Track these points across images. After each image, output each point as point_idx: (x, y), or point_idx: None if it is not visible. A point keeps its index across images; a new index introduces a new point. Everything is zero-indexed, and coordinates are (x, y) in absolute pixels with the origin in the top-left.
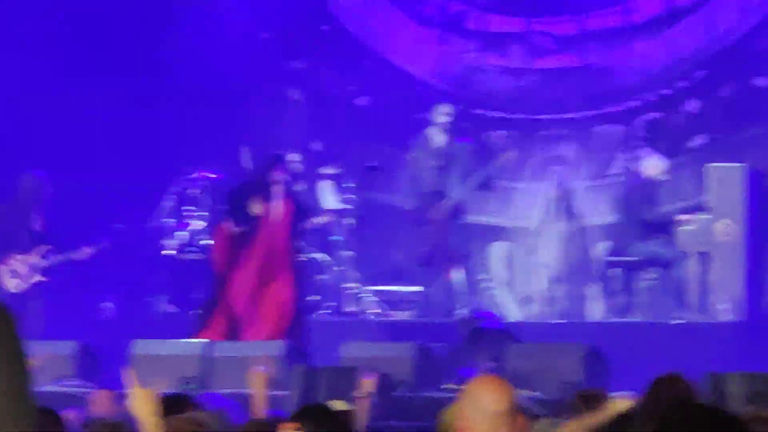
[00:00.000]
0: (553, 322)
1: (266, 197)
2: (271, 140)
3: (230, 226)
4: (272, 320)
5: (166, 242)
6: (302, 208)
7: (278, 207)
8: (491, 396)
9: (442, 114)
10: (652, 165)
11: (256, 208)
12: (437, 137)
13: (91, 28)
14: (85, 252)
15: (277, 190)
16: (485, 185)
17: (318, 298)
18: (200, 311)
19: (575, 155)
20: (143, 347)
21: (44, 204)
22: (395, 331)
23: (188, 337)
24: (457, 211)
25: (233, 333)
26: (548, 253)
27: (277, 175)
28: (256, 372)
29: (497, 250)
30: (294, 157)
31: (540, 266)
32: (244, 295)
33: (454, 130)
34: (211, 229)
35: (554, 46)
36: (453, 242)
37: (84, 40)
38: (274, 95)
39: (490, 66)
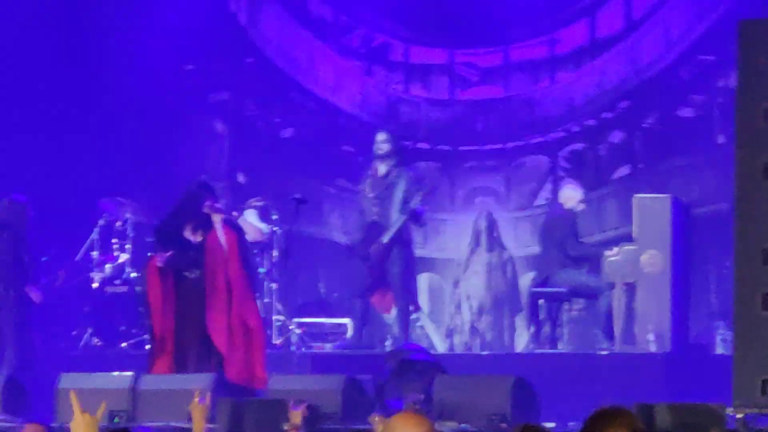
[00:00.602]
0: (480, 353)
1: (204, 225)
2: (196, 172)
3: (163, 258)
4: (256, 353)
5: (93, 275)
6: (243, 234)
7: (222, 235)
8: (412, 430)
9: (382, 143)
10: (569, 196)
11: (197, 236)
12: (380, 168)
13: (15, 55)
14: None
15: (216, 218)
16: (416, 218)
17: None
18: (148, 347)
19: (501, 186)
20: (70, 380)
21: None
22: (322, 364)
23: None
24: (397, 243)
25: (182, 368)
26: (474, 284)
27: (211, 203)
28: (196, 405)
29: (424, 282)
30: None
31: (466, 297)
32: (218, 328)
33: (394, 159)
34: (141, 262)
35: (478, 77)
36: (389, 274)
37: (7, 66)
38: (198, 127)
39: (414, 97)
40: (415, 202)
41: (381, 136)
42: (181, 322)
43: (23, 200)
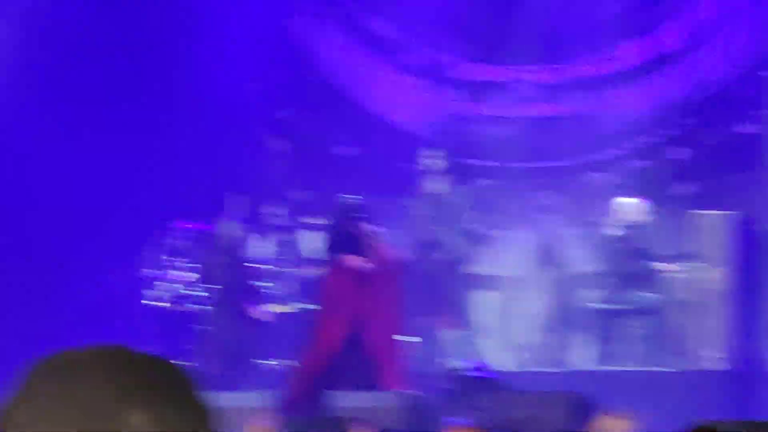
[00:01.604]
0: (541, 370)
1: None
2: (256, 189)
3: (352, 261)
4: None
5: (154, 293)
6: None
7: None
8: None
9: (433, 160)
10: (633, 211)
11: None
12: (435, 185)
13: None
14: None
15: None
16: (474, 235)
17: None
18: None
19: (561, 203)
20: None
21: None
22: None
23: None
24: (455, 262)
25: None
26: (535, 302)
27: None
28: (256, 426)
29: (484, 299)
30: (278, 208)
31: (527, 315)
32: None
33: (447, 177)
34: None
35: (538, 94)
36: (447, 293)
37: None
38: (259, 144)
39: (473, 115)
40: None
41: (435, 153)
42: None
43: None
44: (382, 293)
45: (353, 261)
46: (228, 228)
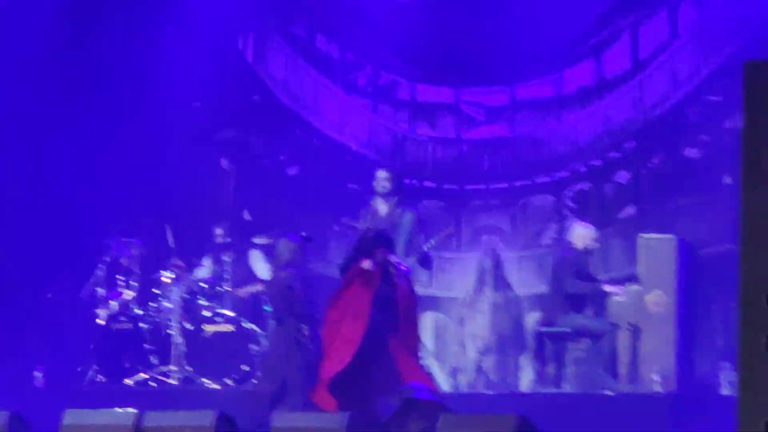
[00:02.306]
0: (484, 392)
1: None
2: (202, 209)
3: (371, 263)
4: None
5: (99, 312)
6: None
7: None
8: None
9: (383, 180)
10: (581, 235)
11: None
12: (381, 206)
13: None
14: None
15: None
16: (424, 261)
17: (248, 368)
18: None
19: (506, 225)
20: (74, 417)
21: None
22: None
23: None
24: None
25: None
26: (480, 324)
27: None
28: None
29: (428, 321)
30: (224, 227)
31: (470, 336)
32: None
33: (396, 198)
34: (146, 299)
35: (484, 116)
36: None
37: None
38: (204, 164)
39: (420, 136)
40: (429, 246)
41: (382, 174)
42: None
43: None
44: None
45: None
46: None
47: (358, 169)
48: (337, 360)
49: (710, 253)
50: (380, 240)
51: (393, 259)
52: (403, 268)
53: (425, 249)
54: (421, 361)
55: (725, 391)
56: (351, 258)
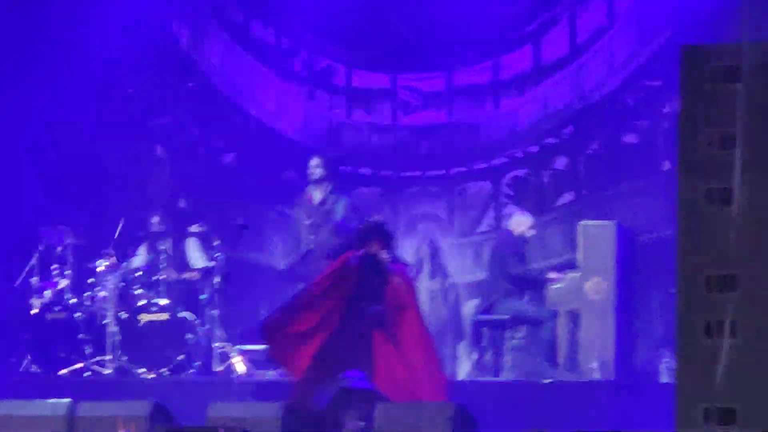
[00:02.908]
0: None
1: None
2: (137, 196)
3: (356, 256)
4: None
5: (32, 301)
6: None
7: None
8: None
9: (316, 168)
10: (519, 222)
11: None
12: (315, 194)
13: None
14: None
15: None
16: None
17: (183, 357)
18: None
19: (443, 212)
20: (7, 408)
21: None
22: (264, 392)
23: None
24: None
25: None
26: None
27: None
28: None
29: None
30: (158, 215)
31: None
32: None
33: (330, 185)
34: (80, 288)
35: (421, 102)
36: None
37: None
38: (139, 151)
39: (356, 122)
40: None
41: (315, 161)
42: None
43: None
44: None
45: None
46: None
47: (294, 157)
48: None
49: (649, 239)
50: (376, 233)
51: (384, 255)
52: (400, 263)
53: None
54: (425, 362)
55: (664, 378)
56: (343, 245)
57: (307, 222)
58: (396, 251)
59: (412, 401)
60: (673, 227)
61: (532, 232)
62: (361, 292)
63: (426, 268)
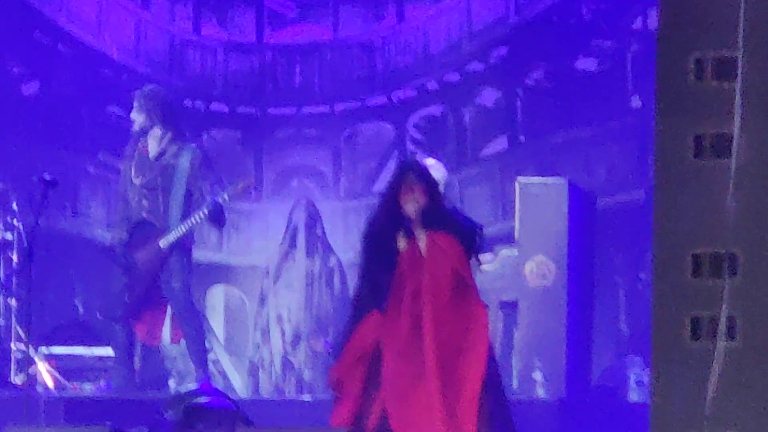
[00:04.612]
0: (296, 398)
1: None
2: None
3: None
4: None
5: None
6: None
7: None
8: None
9: (148, 104)
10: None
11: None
12: (150, 142)
13: None
14: None
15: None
16: (214, 215)
17: None
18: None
19: (327, 165)
20: None
21: None
22: (80, 412)
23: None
24: (177, 247)
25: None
26: (288, 302)
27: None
28: None
29: (217, 299)
30: None
31: (277, 320)
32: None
33: (170, 130)
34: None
35: (296, 12)
36: (166, 290)
37: None
38: None
39: (207, 39)
40: (223, 198)
41: (145, 93)
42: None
43: None
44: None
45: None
46: None
47: (121, 87)
48: None
49: (613, 204)
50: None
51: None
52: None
53: (218, 201)
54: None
55: (634, 396)
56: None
57: (139, 181)
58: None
59: (277, 427)
60: (646, 187)
61: (450, 192)
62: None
63: (301, 243)
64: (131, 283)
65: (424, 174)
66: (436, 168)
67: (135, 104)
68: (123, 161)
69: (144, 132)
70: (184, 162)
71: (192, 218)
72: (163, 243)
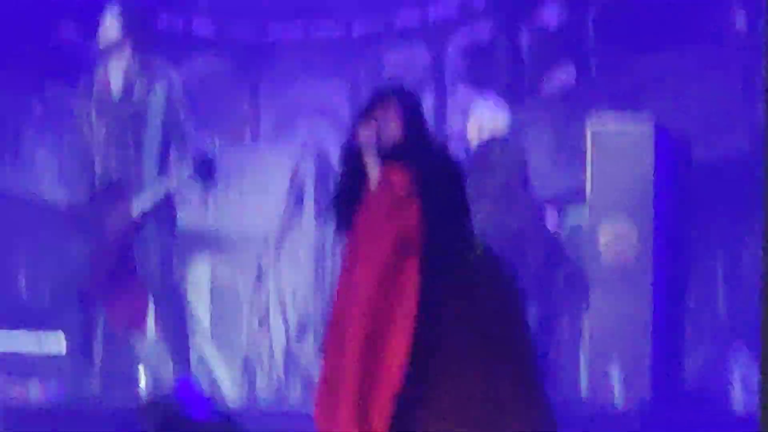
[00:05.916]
0: (298, 405)
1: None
2: None
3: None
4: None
5: None
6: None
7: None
8: None
9: (111, 24)
10: (485, 119)
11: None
12: (113, 74)
13: None
14: None
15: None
16: (202, 168)
17: None
18: None
19: (343, 100)
20: None
21: None
22: (22, 422)
23: None
24: (155, 212)
25: None
26: (293, 278)
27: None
28: None
29: (202, 275)
30: None
31: (277, 304)
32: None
33: (138, 57)
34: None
35: None
36: (140, 265)
37: None
38: None
39: None
40: (213, 146)
41: (112, 12)
42: None
43: None
44: None
45: None
46: None
47: (76, 3)
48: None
49: (711, 158)
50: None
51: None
52: None
53: (206, 150)
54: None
55: (738, 401)
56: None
57: (102, 126)
58: None
59: None
60: (754, 138)
61: (505, 134)
62: None
63: (309, 204)
64: (95, 256)
65: (406, 100)
66: (494, 109)
67: (107, 14)
68: (78, 99)
69: (114, 51)
70: (159, 98)
71: (172, 174)
72: (136, 206)
